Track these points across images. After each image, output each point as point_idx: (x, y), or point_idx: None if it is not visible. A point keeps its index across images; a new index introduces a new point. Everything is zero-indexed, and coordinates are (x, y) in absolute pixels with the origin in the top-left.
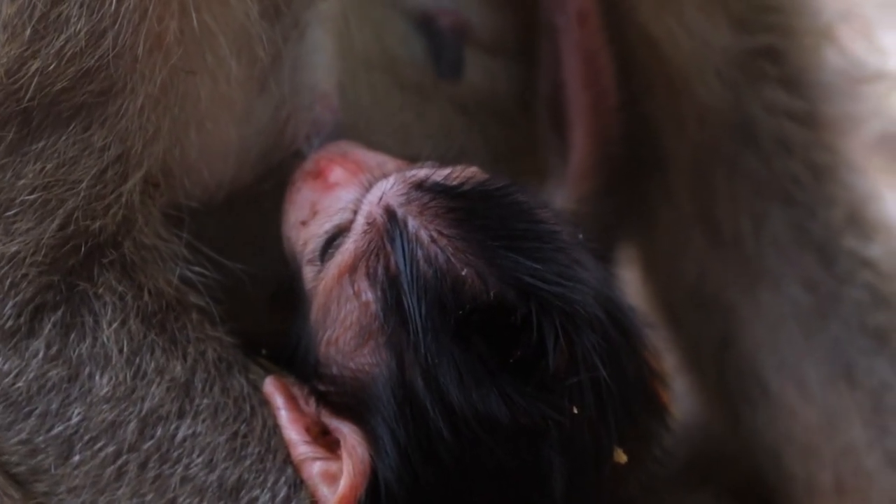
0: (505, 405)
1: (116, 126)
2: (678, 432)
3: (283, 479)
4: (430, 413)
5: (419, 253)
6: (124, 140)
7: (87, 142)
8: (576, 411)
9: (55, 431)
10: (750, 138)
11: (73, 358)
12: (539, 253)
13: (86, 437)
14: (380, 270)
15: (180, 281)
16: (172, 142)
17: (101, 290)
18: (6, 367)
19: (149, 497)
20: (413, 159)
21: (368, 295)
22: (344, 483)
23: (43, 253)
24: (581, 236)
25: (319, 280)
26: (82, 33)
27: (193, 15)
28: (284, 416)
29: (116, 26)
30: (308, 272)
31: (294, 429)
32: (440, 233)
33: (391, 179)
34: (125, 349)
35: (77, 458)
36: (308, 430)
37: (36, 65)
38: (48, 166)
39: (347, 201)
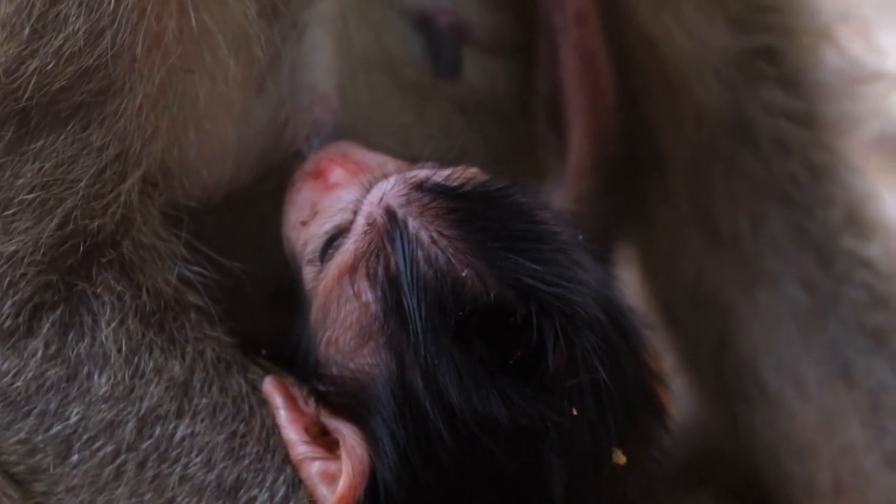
0: (504, 406)
1: (115, 125)
2: (676, 432)
3: (281, 478)
4: (429, 414)
5: (419, 254)
6: (123, 139)
7: (85, 141)
8: (575, 413)
9: (54, 431)
10: (748, 138)
11: (71, 357)
12: (539, 254)
13: (84, 437)
14: (380, 271)
15: (179, 280)
16: (171, 141)
17: (99, 290)
18: (5, 366)
19: (147, 496)
20: (413, 160)
21: (368, 295)
22: (343, 483)
23: (41, 252)
24: (581, 237)
25: (319, 280)
26: (81, 33)
27: (192, 14)
28: (283, 415)
29: (115, 26)
30: (308, 272)
31: (293, 428)
32: (440, 234)
33: (391, 180)
34: (124, 349)
35: (76, 457)
36: (307, 429)
37: (34, 64)
38: (47, 165)
39: (347, 202)
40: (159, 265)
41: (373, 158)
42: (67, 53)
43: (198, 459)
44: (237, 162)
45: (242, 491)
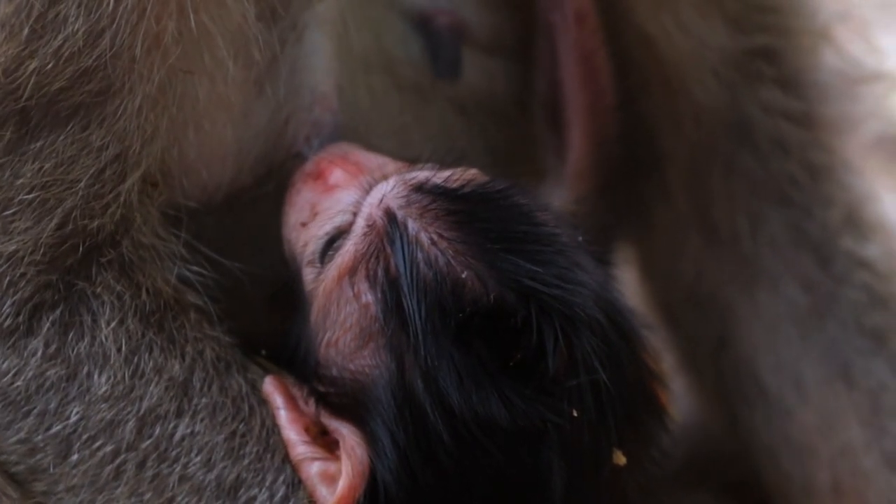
0: (504, 408)
1: (115, 126)
2: (676, 432)
3: (281, 478)
4: (429, 415)
5: (419, 255)
6: (122, 140)
7: (85, 141)
8: (575, 414)
9: (54, 430)
10: (747, 138)
11: (71, 357)
12: (539, 256)
13: (84, 436)
14: (380, 272)
15: (178, 280)
16: (170, 142)
17: (99, 290)
18: (5, 365)
19: (147, 496)
20: (413, 161)
21: (368, 297)
22: (343, 484)
23: (41, 252)
24: (581, 238)
25: (319, 282)
26: (80, 33)
27: (191, 16)
28: (283, 415)
29: (114, 26)
30: (308, 274)
31: (293, 428)
32: (440, 235)
33: (391, 181)
34: (123, 348)
35: (75, 457)
36: (307, 430)
37: (34, 64)
38: (46, 166)
39: (347, 203)
40: (159, 265)
41: (373, 160)
42: (67, 54)
43: (197, 459)
44: (237, 163)
45: (242, 490)
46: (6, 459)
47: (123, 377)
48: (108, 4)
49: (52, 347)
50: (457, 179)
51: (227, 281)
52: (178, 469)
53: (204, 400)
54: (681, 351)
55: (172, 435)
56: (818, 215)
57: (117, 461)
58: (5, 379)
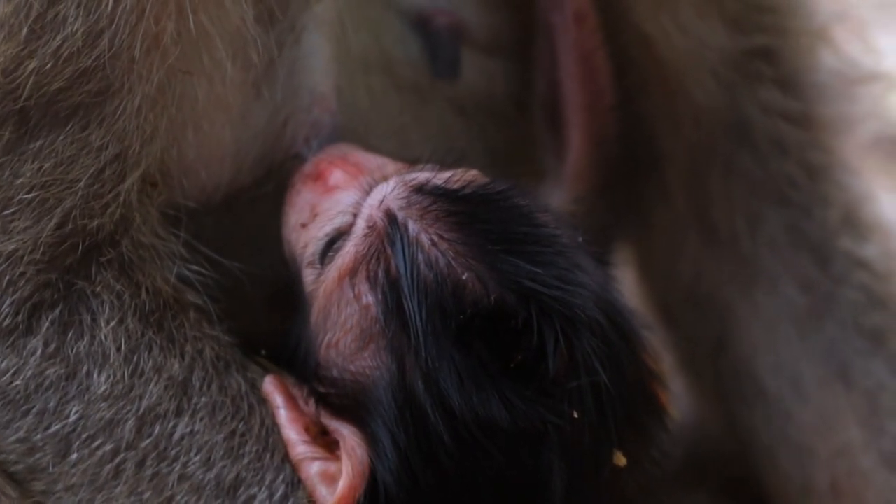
0: (505, 409)
1: (114, 126)
2: (675, 432)
3: (280, 477)
4: (430, 416)
5: (420, 256)
6: (122, 140)
7: (84, 141)
8: (576, 415)
9: (53, 429)
10: (745, 138)
11: (70, 356)
12: (540, 257)
13: (83, 436)
14: (380, 274)
15: (178, 280)
16: (170, 142)
17: (98, 289)
18: (4, 365)
19: (146, 495)
20: (413, 162)
21: (369, 298)
22: (343, 484)
23: (41, 251)
24: (581, 239)
25: (320, 283)
26: (79, 33)
27: (190, 16)
28: (283, 415)
29: (113, 27)
30: (308, 275)
31: (293, 428)
32: (441, 236)
33: (391, 182)
34: (123, 347)
35: (75, 456)
36: (307, 429)
37: (33, 64)
38: (46, 165)
39: (348, 204)
40: (158, 264)
41: (373, 160)
42: (66, 54)
43: (197, 458)
44: (236, 163)
45: (241, 489)
46: (5, 459)
47: (123, 376)
48: (107, 5)
49: (52, 346)
50: (457, 180)
51: (227, 280)
52: (177, 468)
53: (203, 399)
54: (679, 351)
55: (172, 434)
56: (817, 215)
57: (116, 460)
58: (4, 378)
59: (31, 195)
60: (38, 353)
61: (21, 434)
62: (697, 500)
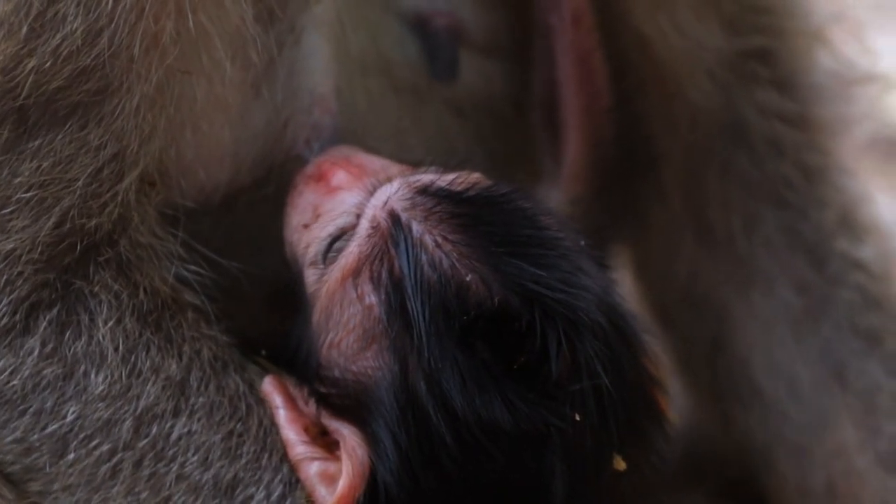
0: (508, 411)
1: (112, 125)
2: (672, 433)
3: (278, 477)
4: (432, 418)
5: (423, 258)
6: (120, 139)
7: (83, 140)
8: (578, 418)
9: (50, 430)
10: (742, 139)
11: (68, 356)
12: (543, 259)
13: (81, 436)
14: (384, 274)
15: (176, 280)
16: (168, 141)
17: (96, 289)
18: (1, 364)
19: (143, 495)
20: (416, 164)
21: (372, 298)
22: (343, 484)
23: (39, 251)
24: (583, 242)
25: (322, 283)
26: (78, 32)
27: (189, 16)
28: (283, 415)
29: (113, 25)
30: (310, 275)
31: (292, 428)
32: (445, 238)
33: (395, 184)
34: (120, 347)
35: (72, 456)
36: (306, 430)
37: (32, 63)
38: (44, 164)
39: (350, 205)
40: (156, 264)
41: (375, 162)
42: (65, 53)
43: (194, 458)
44: (235, 164)
45: (239, 490)
46: (1, 459)
47: (120, 376)
48: (106, 4)
49: (49, 346)
50: (461, 183)
51: (226, 281)
52: (174, 468)
53: (201, 399)
54: (675, 351)
55: (169, 434)
56: (813, 216)
57: (114, 460)
58: (1, 378)
59: (29, 194)
60: (36, 352)
61: (18, 434)
62: (695, 501)
